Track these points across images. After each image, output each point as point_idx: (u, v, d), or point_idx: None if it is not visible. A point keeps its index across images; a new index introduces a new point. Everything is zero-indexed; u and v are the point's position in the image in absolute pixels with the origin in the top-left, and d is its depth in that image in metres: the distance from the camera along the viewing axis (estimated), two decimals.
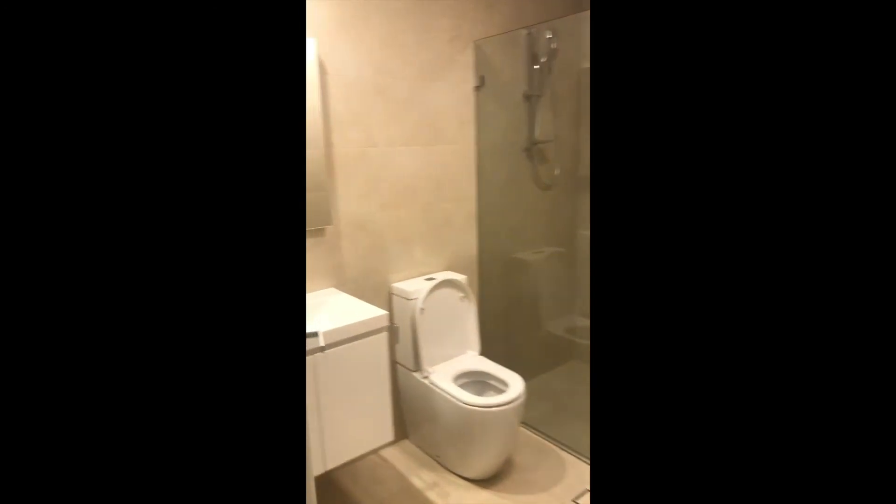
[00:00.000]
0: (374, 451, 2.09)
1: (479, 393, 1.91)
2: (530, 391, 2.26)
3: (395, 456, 2.07)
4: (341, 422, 1.52)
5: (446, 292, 2.00)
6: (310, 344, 1.12)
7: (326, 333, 1.43)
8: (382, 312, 1.56)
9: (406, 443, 2.15)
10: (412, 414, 2.07)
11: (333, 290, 1.81)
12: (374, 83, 1.82)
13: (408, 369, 2.00)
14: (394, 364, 2.08)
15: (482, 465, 1.84)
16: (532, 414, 2.26)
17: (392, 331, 2.04)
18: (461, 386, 1.90)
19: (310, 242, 1.75)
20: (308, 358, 1.42)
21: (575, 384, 2.56)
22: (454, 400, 1.76)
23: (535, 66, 2.26)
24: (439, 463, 1.99)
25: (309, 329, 1.45)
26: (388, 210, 1.94)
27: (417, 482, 1.90)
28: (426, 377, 1.91)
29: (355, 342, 1.51)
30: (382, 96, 1.85)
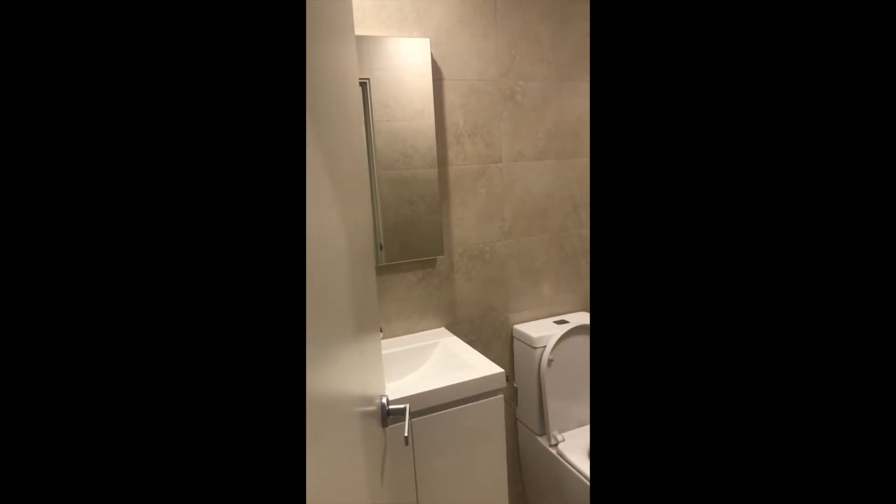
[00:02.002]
0: None
1: None
2: None
3: None
4: (445, 496, 1.22)
5: (581, 340, 1.60)
6: (397, 414, 0.86)
7: (427, 394, 1.15)
8: (498, 371, 1.24)
9: None
10: (534, 484, 1.70)
11: (444, 331, 1.54)
12: (500, 87, 1.52)
13: (531, 431, 1.64)
14: (514, 423, 1.73)
15: None
16: None
17: (511, 391, 1.70)
18: None
19: (417, 276, 1.50)
20: (396, 426, 1.15)
21: None
22: (588, 483, 1.36)
23: None
24: None
25: (404, 388, 1.18)
26: (512, 237, 1.62)
27: None
28: (554, 445, 1.54)
29: (465, 405, 1.21)
30: (510, 102, 1.54)
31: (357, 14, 1.32)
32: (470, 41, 1.46)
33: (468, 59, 1.47)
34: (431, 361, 1.44)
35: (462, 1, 1.43)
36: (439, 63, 1.44)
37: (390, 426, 1.12)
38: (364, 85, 1.35)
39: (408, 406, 0.87)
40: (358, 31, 1.34)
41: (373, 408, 0.79)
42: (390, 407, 0.87)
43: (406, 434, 0.80)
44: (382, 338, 1.49)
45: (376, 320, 0.86)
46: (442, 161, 1.48)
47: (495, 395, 1.25)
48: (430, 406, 1.17)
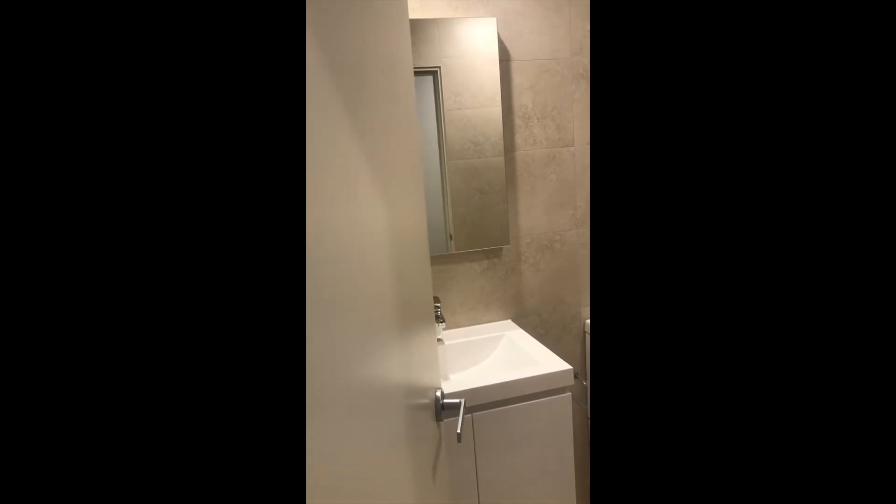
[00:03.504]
0: None
1: None
2: None
3: None
4: (508, 497, 1.18)
5: None
6: (452, 408, 0.83)
7: (489, 388, 1.11)
8: (565, 367, 1.17)
9: None
10: None
11: (510, 323, 1.48)
12: (573, 66, 1.42)
13: None
14: (587, 422, 1.65)
15: None
16: None
17: (581, 389, 1.61)
18: None
19: (482, 266, 1.45)
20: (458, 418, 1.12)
21: None
22: None
23: None
24: None
25: (466, 381, 1.15)
26: (584, 226, 1.52)
27: None
28: None
29: (530, 402, 1.15)
30: (583, 81, 1.44)
31: None
32: (540, 18, 1.38)
33: (537, 38, 1.39)
34: (496, 355, 1.39)
35: None
36: (506, 43, 1.37)
37: (446, 420, 1.10)
38: (434, 73, 1.32)
39: (463, 401, 0.84)
40: (422, 14, 1.31)
41: (425, 400, 0.76)
42: (444, 401, 0.84)
43: (458, 430, 0.77)
44: (445, 328, 1.47)
45: (429, 311, 0.84)
46: (509, 146, 1.42)
47: (562, 392, 1.18)
48: (492, 401, 1.13)
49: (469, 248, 1.41)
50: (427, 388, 0.78)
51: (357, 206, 0.44)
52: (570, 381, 1.17)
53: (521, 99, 1.40)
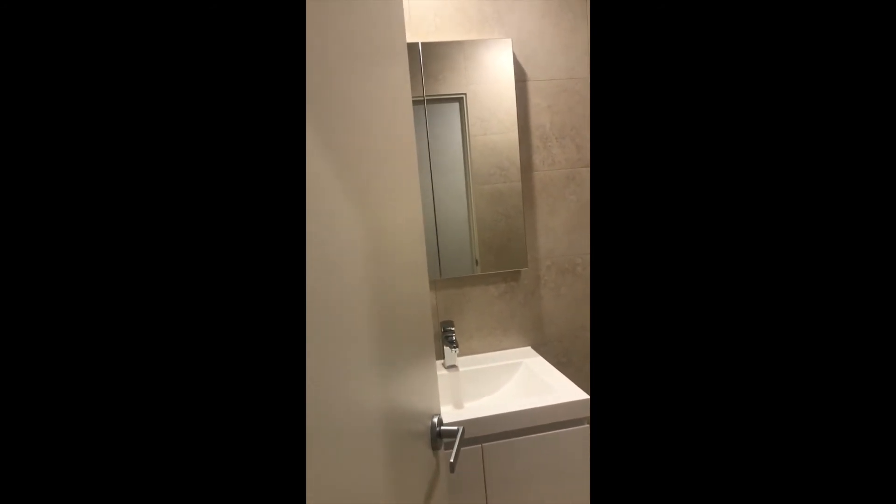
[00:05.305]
0: None
1: None
2: None
3: None
4: None
5: None
6: (450, 436, 0.78)
7: (499, 417, 1.05)
8: (583, 397, 1.10)
9: None
10: None
11: (530, 350, 1.42)
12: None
13: None
14: None
15: None
16: None
17: None
18: None
19: (499, 289, 1.41)
20: (467, 449, 1.07)
21: None
22: None
23: None
24: None
25: (478, 410, 1.09)
26: None
27: None
28: None
29: (544, 433, 1.09)
30: None
31: (436, 21, 1.31)
32: (556, 38, 1.36)
33: (554, 58, 1.37)
34: (512, 383, 1.33)
35: None
36: (522, 64, 1.36)
37: (454, 450, 1.05)
38: (461, 100, 1.33)
39: (461, 429, 0.79)
40: (437, 38, 1.32)
41: (418, 427, 0.73)
42: (441, 428, 0.80)
43: (452, 460, 0.72)
44: (459, 354, 1.42)
45: (426, 334, 0.80)
46: (526, 167, 1.39)
47: (580, 424, 1.11)
48: (503, 431, 1.07)
49: (483, 270, 1.38)
50: (421, 414, 0.75)
51: (321, 224, 0.42)
52: (587, 411, 1.10)
53: (539, 119, 1.38)
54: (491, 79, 1.33)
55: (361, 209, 0.54)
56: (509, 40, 1.32)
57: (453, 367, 1.34)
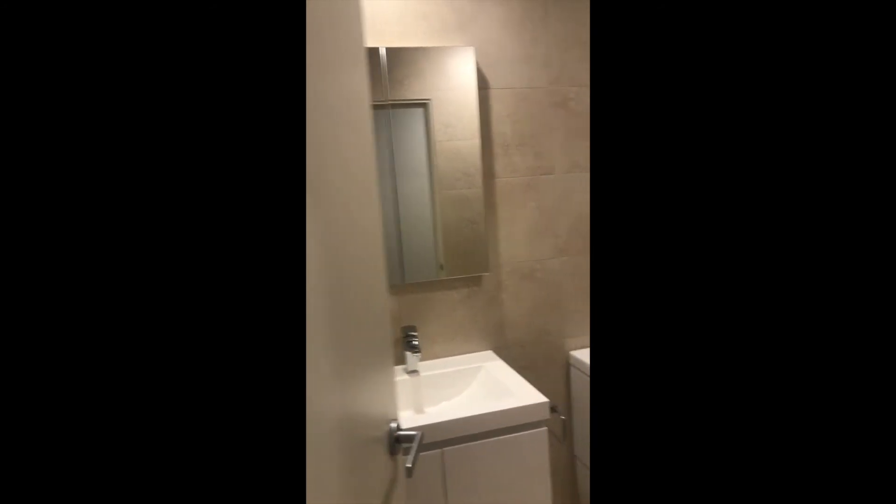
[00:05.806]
0: None
1: None
2: None
3: None
4: None
5: None
6: (408, 441, 0.78)
7: (460, 421, 1.06)
8: (541, 400, 1.12)
9: None
10: None
11: (491, 354, 1.44)
12: (552, 94, 1.43)
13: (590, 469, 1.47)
14: (572, 460, 1.57)
15: None
16: None
17: (559, 424, 1.55)
18: None
19: (462, 294, 1.42)
20: (427, 454, 1.07)
21: None
22: None
23: None
24: None
25: (438, 414, 1.10)
26: (566, 255, 1.49)
27: None
28: None
29: (503, 437, 1.10)
30: (562, 110, 1.44)
31: (399, 27, 1.31)
32: (517, 48, 1.39)
33: (514, 67, 1.40)
34: (473, 387, 1.34)
35: (509, 7, 1.37)
36: (485, 72, 1.38)
37: (412, 455, 1.05)
38: (425, 105, 1.33)
39: (419, 434, 0.79)
40: (400, 43, 1.33)
41: (375, 433, 0.72)
42: (398, 433, 0.80)
43: (408, 465, 0.73)
44: (421, 359, 1.43)
45: (384, 341, 0.80)
46: (488, 174, 1.41)
47: (538, 427, 1.13)
48: (463, 435, 1.08)
49: (447, 275, 1.39)
50: (378, 419, 0.75)
51: None
52: (546, 414, 1.12)
53: (501, 127, 1.40)
54: (455, 86, 1.34)
55: (314, 213, 0.54)
56: (472, 49, 1.34)
57: (415, 371, 1.34)
